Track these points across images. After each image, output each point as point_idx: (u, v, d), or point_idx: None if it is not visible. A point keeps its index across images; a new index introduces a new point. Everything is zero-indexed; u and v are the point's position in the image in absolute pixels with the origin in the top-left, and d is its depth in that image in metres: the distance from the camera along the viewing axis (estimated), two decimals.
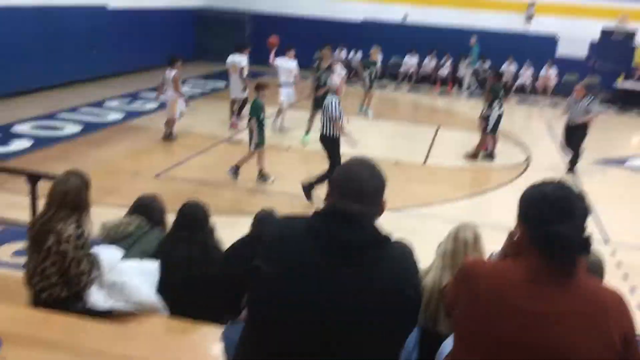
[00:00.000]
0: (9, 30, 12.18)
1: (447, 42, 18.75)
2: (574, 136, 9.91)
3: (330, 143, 7.58)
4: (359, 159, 1.94)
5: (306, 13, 20.12)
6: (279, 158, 9.71)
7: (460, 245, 3.24)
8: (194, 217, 3.73)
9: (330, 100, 7.52)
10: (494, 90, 10.38)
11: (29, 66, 12.71)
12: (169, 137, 10.45)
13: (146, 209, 3.98)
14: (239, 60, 11.43)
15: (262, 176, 8.46)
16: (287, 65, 11.24)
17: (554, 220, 1.73)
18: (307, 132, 10.81)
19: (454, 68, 19.11)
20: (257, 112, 8.23)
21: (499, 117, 10.29)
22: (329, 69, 10.79)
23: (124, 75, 16.20)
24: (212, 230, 3.83)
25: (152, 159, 9.42)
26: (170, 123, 10.45)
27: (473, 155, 10.56)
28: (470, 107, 16.34)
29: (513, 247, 1.91)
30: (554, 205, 1.76)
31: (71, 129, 10.71)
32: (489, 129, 10.35)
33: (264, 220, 3.86)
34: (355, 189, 1.81)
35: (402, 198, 7.92)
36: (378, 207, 1.87)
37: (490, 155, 10.65)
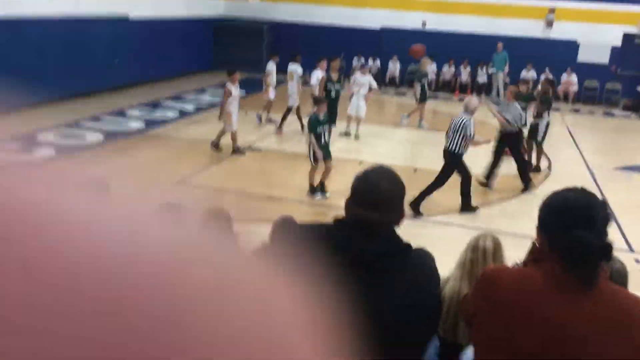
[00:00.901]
0: (33, 41, 12.41)
1: (466, 48, 18.68)
2: (509, 144, 8.98)
3: (454, 159, 7.75)
4: (377, 167, 1.94)
5: (324, 22, 20.20)
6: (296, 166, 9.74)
7: (480, 254, 3.22)
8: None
9: (466, 118, 7.67)
10: (547, 100, 10.13)
11: (52, 76, 12.93)
12: (235, 151, 10.18)
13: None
14: (295, 68, 11.88)
15: (315, 190, 8.31)
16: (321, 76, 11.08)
17: (574, 226, 1.71)
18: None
19: (473, 74, 19.03)
20: (313, 128, 8.07)
21: (548, 125, 10.16)
22: (339, 81, 10.68)
23: (145, 84, 16.41)
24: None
25: (173, 167, 9.50)
26: (232, 137, 10.17)
27: (536, 168, 10.30)
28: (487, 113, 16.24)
29: (534, 254, 1.90)
30: (575, 212, 1.75)
31: (93, 137, 10.87)
32: (542, 138, 10.15)
33: (283, 228, 3.87)
34: (374, 198, 1.81)
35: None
36: (398, 215, 1.87)
37: (537, 169, 10.38)
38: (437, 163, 10.51)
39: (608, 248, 1.72)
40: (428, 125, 13.39)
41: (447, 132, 7.92)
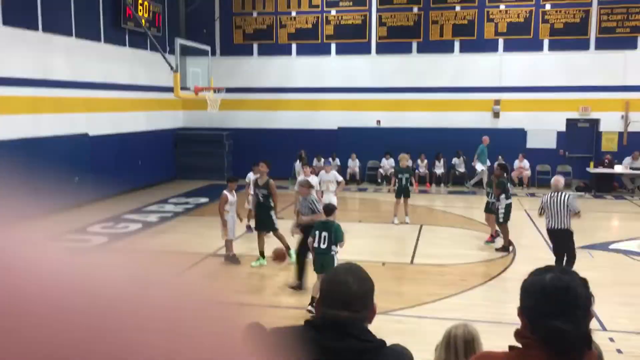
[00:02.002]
0: None
1: (422, 142, 19.35)
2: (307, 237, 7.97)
3: (568, 235, 8.42)
4: (344, 265, 1.95)
5: (282, 126, 20.79)
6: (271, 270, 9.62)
7: (452, 349, 3.14)
8: None
9: (568, 194, 8.44)
10: (501, 183, 10.86)
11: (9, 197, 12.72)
12: (227, 259, 10.05)
13: None
14: (298, 169, 12.33)
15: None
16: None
17: (552, 313, 1.69)
18: (262, 255, 9.97)
19: (430, 166, 19.61)
20: (342, 236, 7.46)
21: (508, 206, 10.74)
22: (265, 187, 9.96)
23: (107, 199, 16.30)
24: None
25: None
26: (226, 245, 10.05)
27: (503, 248, 10.86)
28: (445, 203, 16.61)
29: (518, 337, 1.87)
30: (553, 297, 1.71)
31: None
32: (502, 219, 10.74)
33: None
34: (342, 296, 1.80)
35: (393, 300, 7.80)
36: (368, 312, 1.86)
37: (506, 248, 10.87)
38: (402, 255, 10.58)
39: (587, 337, 1.70)
40: (409, 220, 13.55)
41: (548, 213, 8.43)
